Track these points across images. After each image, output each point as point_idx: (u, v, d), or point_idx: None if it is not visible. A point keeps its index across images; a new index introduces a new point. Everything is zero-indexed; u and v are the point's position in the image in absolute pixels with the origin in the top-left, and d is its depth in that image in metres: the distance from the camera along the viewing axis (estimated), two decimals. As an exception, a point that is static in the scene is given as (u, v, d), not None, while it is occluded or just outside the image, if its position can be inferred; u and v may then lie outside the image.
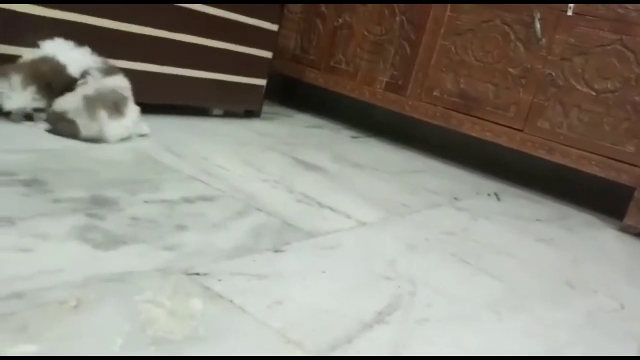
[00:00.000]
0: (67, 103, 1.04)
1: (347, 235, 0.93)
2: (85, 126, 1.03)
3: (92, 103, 1.04)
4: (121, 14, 1.24)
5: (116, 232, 0.72)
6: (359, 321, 0.66)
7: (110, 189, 0.85)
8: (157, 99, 1.35)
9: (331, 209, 1.03)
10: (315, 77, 1.95)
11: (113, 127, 1.07)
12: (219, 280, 0.66)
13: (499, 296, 0.84)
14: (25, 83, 1.02)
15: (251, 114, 1.73)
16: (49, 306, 0.53)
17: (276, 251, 0.79)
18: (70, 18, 1.15)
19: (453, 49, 1.72)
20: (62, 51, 1.08)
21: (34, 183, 0.80)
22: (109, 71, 1.13)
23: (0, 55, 1.05)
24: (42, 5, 1.09)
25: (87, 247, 0.66)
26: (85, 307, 0.54)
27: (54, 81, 1.06)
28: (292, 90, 2.16)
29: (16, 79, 1.01)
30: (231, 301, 0.62)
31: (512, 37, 1.63)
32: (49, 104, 1.06)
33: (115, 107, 1.07)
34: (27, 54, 1.06)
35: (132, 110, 1.12)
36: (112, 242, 0.69)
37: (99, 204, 0.79)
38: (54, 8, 1.11)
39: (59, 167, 0.89)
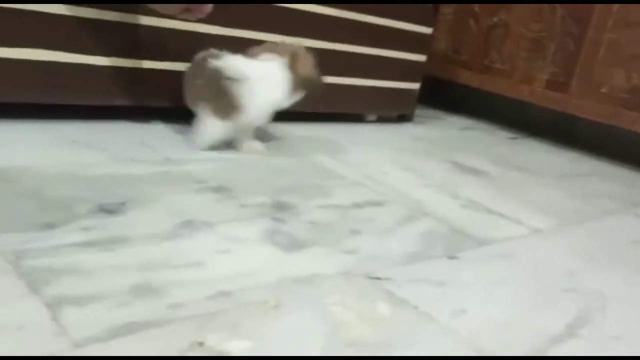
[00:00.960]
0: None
1: (520, 243, 0.89)
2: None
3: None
4: (282, 28, 1.30)
5: (298, 235, 0.76)
6: (547, 334, 0.63)
7: (287, 195, 0.89)
8: (319, 108, 1.40)
9: (501, 215, 1.00)
10: (468, 78, 1.90)
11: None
12: (400, 285, 0.67)
13: None
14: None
15: (403, 118, 1.73)
16: (252, 306, 0.57)
17: (450, 258, 0.78)
18: (236, 34, 1.23)
19: (623, 42, 1.59)
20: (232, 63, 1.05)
21: (222, 190, 0.87)
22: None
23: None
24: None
25: (277, 250, 0.70)
26: (284, 308, 0.57)
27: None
28: (442, 92, 2.12)
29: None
30: (416, 307, 0.63)
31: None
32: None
33: None
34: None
35: None
36: (296, 245, 0.73)
37: (280, 208, 0.83)
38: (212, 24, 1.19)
39: (240, 175, 0.96)
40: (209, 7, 0.97)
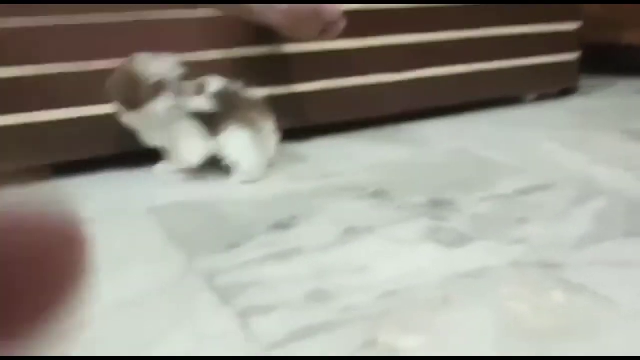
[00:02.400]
0: None
1: None
2: None
3: None
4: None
5: (461, 230, 0.76)
6: None
7: (445, 191, 0.90)
8: (479, 95, 1.39)
9: (691, 183, 0.89)
10: (631, 37, 1.72)
11: None
12: (576, 271, 0.64)
13: None
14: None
15: (566, 91, 1.62)
16: (421, 303, 0.59)
17: (630, 236, 0.72)
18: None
19: None
20: None
21: (379, 194, 0.90)
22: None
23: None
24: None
25: (440, 247, 0.71)
26: (454, 303, 0.58)
27: None
28: (606, 58, 1.94)
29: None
30: (595, 293, 0.59)
31: None
32: None
33: None
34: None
35: None
36: (460, 240, 0.73)
37: (438, 206, 0.84)
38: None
39: (395, 178, 0.98)
40: (343, 23, 1.01)
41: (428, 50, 1.33)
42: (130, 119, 0.99)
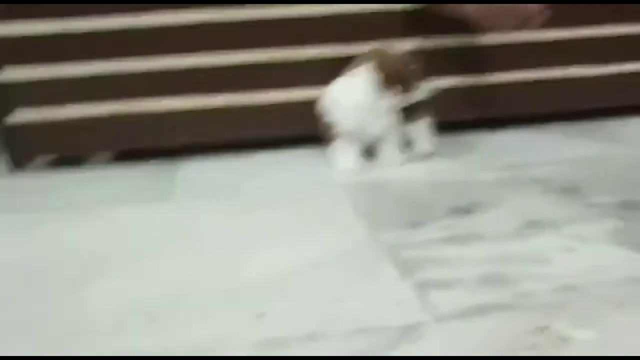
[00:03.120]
0: None
1: None
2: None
3: None
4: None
5: (651, 235, 0.72)
6: None
7: (638, 193, 0.85)
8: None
9: None
10: None
11: None
12: None
13: None
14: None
15: None
16: (597, 300, 0.59)
17: None
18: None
19: None
20: None
21: (567, 190, 0.88)
22: None
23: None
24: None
25: (624, 249, 0.69)
26: (630, 305, 0.57)
27: None
28: None
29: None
30: None
31: None
32: None
33: None
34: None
35: None
36: (649, 245, 0.70)
37: (629, 208, 0.81)
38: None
39: (585, 175, 0.95)
40: (544, 16, 1.00)
41: (632, 42, 1.24)
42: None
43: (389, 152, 1.06)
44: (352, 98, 1.01)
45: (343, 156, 1.03)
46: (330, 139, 1.05)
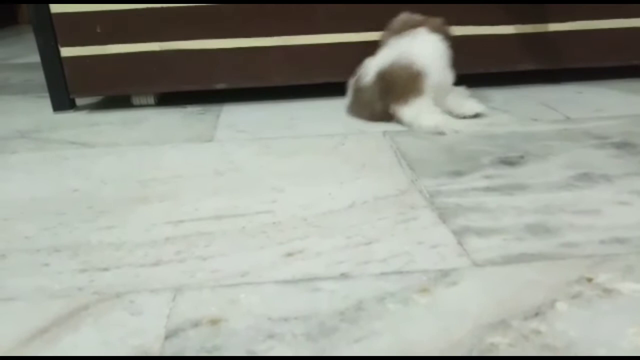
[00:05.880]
0: None
1: None
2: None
3: None
4: None
5: None
6: None
7: None
8: None
9: None
10: None
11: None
12: None
13: None
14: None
15: None
16: (650, 255, 0.55)
17: None
18: None
19: None
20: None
21: (624, 145, 0.83)
22: None
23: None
24: None
25: (686, 206, 0.65)
26: (688, 261, 0.54)
27: None
28: None
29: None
30: None
31: None
32: None
33: None
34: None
35: None
36: None
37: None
38: None
39: (649, 131, 0.89)
40: None
41: None
42: None
43: (468, 101, 1.03)
44: (437, 51, 1.00)
45: (429, 113, 1.00)
46: (413, 97, 1.01)
